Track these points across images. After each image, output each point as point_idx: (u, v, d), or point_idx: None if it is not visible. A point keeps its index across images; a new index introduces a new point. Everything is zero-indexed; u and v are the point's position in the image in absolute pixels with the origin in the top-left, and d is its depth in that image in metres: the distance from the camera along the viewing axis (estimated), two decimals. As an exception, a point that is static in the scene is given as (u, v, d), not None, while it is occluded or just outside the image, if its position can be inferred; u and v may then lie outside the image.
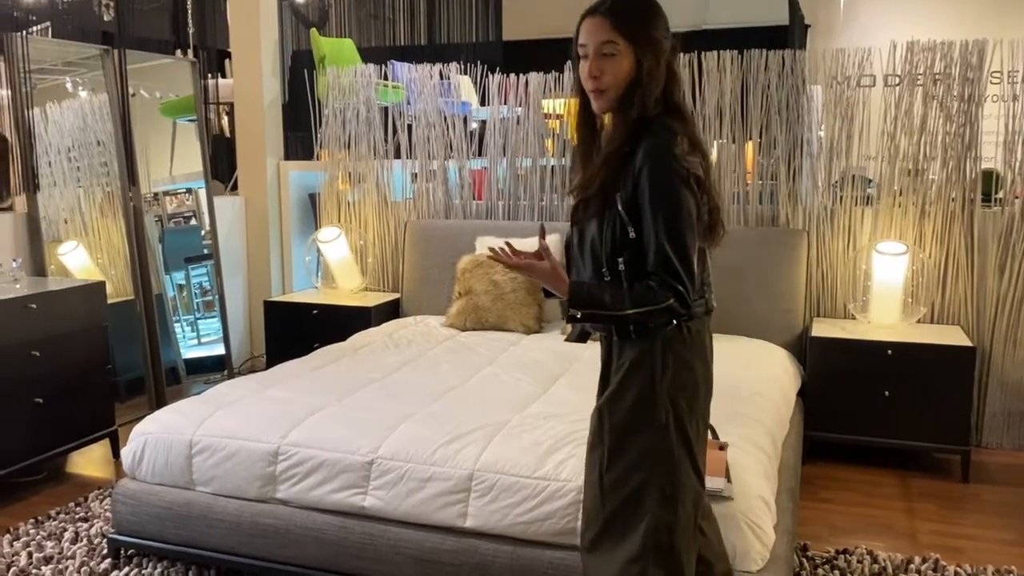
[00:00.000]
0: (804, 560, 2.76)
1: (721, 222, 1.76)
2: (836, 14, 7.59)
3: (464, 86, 4.66)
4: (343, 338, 3.86)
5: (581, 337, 1.88)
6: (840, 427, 3.56)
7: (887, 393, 3.47)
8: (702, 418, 1.82)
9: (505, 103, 4.45)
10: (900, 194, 3.85)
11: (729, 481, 2.23)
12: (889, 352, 3.46)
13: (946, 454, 3.58)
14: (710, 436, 2.38)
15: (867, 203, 3.95)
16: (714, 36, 7.21)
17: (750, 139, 4.03)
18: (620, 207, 1.66)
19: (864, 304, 3.84)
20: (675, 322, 1.69)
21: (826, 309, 4.00)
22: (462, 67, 4.61)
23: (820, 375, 3.57)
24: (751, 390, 3.02)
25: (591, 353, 3.52)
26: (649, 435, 1.73)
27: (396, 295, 4.57)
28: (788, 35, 6.82)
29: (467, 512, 2.38)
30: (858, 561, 2.75)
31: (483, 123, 4.55)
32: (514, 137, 4.42)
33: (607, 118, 1.80)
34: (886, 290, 3.70)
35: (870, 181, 4.00)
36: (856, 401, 3.52)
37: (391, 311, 4.47)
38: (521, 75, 4.41)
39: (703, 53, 4.04)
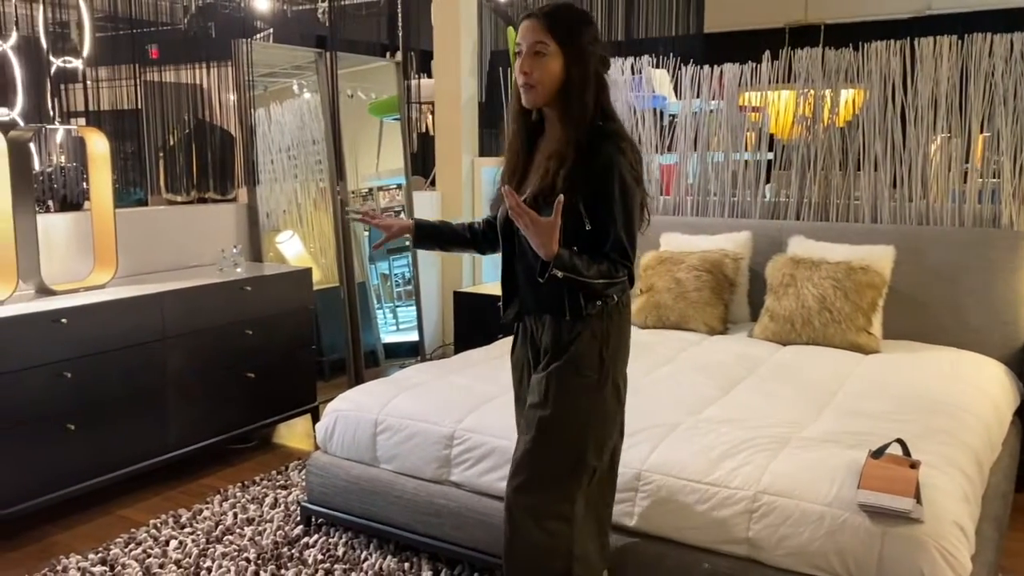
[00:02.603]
0: (1011, 598, 2.49)
1: (647, 209, 2.07)
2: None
3: (658, 80, 4.58)
4: (522, 331, 3.92)
5: (518, 316, 2.14)
6: (1066, 454, 3.17)
7: None
8: (625, 378, 2.11)
9: (698, 96, 4.33)
10: None
11: (919, 503, 2.04)
12: None
13: None
14: (900, 452, 2.21)
15: (1112, 203, 3.48)
16: (940, 22, 6.64)
17: (969, 132, 3.66)
18: (581, 204, 1.90)
19: (1103, 317, 3.39)
20: (616, 298, 1.99)
21: (1056, 321, 3.57)
22: (655, 60, 4.54)
23: (1044, 395, 3.20)
24: (956, 405, 2.76)
25: (779, 357, 3.37)
26: (602, 396, 2.00)
27: (579, 290, 4.58)
28: (1027, 16, 6.13)
29: (633, 512, 2.35)
30: (1078, 606, 2.44)
31: (673, 117, 4.46)
32: (706, 130, 4.30)
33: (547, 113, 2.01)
34: None
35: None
36: (1088, 426, 3.12)
37: (574, 306, 4.49)
38: (716, 67, 4.28)
39: (917, 39, 3.73)
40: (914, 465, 2.15)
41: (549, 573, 2.04)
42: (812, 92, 4.00)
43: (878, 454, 2.20)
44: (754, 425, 2.55)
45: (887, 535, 2.02)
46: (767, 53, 4.13)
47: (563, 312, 1.97)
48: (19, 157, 3.07)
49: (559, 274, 1.84)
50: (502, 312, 2.16)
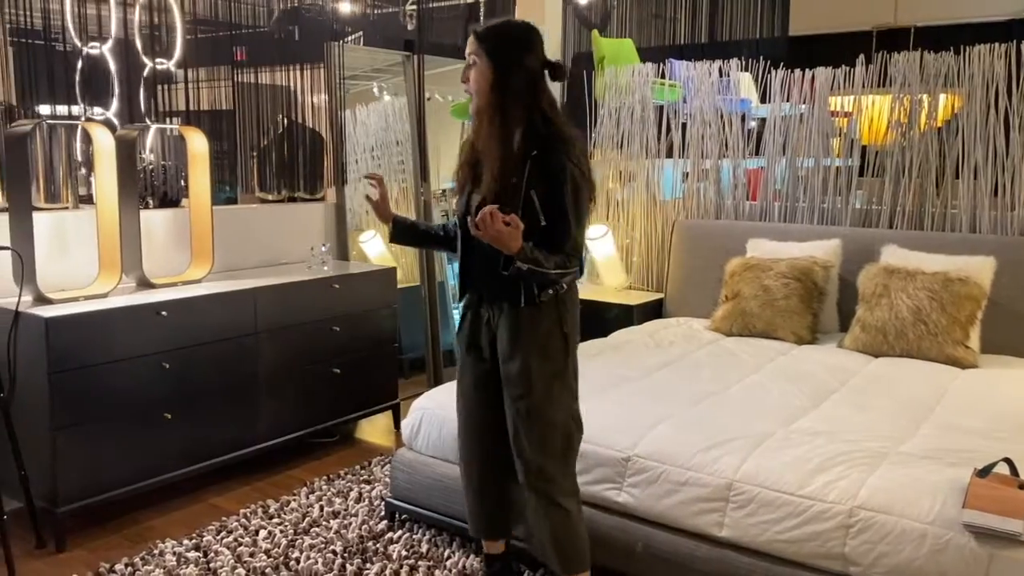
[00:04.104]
0: (1122, 629, 2.36)
1: (595, 194, 2.25)
2: None
3: (744, 83, 4.51)
4: (604, 334, 3.91)
5: (478, 303, 2.32)
6: None
7: None
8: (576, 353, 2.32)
9: (787, 100, 4.25)
10: None
11: (1028, 525, 1.97)
12: None
13: None
14: (1007, 472, 2.13)
15: None
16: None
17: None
18: (537, 202, 2.11)
19: None
20: (565, 286, 2.21)
21: None
22: (742, 63, 4.47)
23: None
24: (1064, 426, 2.65)
25: (872, 369, 3.28)
26: (568, 375, 2.25)
27: (660, 295, 4.55)
28: None
29: (723, 522, 2.32)
30: None
31: (762, 121, 4.38)
32: (795, 135, 4.21)
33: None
34: None
35: None
36: None
37: (654, 311, 4.45)
38: (807, 70, 4.19)
39: (1022, 43, 3.59)
40: (1022, 486, 2.07)
41: (584, 543, 2.27)
42: (907, 97, 3.89)
43: (984, 473, 2.13)
44: (849, 438, 2.49)
45: (995, 558, 1.95)
46: (861, 57, 4.03)
47: (519, 300, 2.18)
48: (125, 155, 3.20)
49: (523, 266, 2.05)
50: (459, 296, 2.37)
